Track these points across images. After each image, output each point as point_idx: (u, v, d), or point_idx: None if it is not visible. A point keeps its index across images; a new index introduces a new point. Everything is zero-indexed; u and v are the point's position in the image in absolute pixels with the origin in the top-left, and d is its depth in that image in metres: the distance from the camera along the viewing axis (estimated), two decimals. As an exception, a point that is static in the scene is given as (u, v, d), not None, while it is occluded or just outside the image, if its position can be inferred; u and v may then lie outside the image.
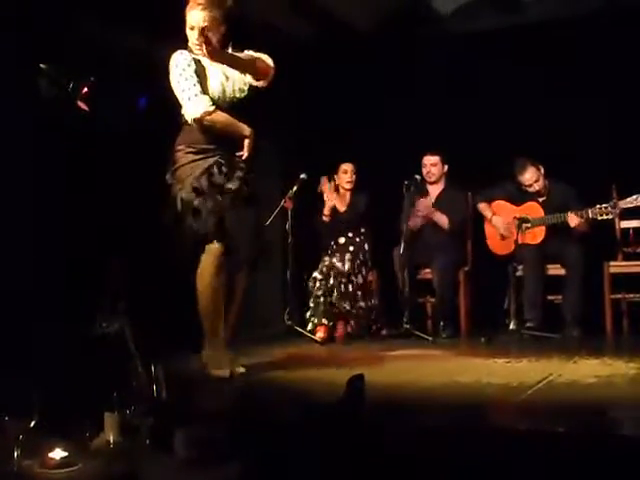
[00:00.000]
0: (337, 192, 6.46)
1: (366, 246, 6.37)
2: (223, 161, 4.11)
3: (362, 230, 6.40)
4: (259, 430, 2.72)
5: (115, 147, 5.16)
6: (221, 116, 4.08)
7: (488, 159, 6.28)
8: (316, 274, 6.17)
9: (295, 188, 6.22)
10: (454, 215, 6.30)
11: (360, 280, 6.21)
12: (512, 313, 5.78)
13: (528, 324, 5.74)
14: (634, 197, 5.69)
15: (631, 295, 5.89)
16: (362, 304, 6.16)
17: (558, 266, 5.95)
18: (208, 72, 4.13)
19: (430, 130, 6.60)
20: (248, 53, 4.22)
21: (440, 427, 2.76)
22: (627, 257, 6.06)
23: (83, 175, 4.97)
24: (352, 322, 6.14)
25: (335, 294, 6.09)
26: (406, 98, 6.87)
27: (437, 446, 2.56)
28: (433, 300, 6.32)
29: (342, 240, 6.34)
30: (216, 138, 4.10)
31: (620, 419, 2.89)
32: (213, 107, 4.05)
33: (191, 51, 4.11)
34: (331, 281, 6.11)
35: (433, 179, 6.40)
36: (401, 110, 6.85)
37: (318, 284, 6.12)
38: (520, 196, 6.10)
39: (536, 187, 6.01)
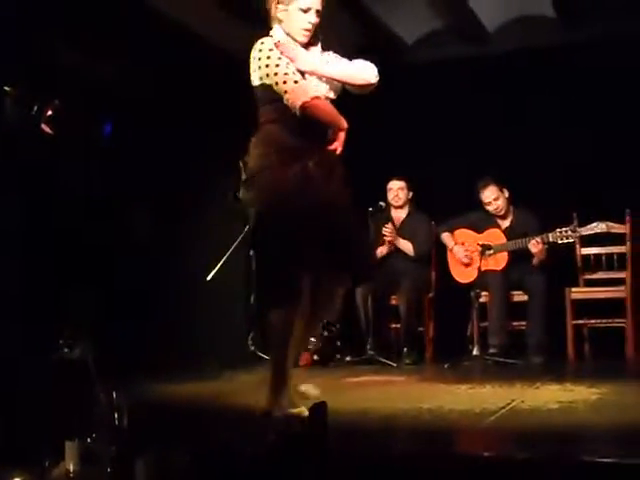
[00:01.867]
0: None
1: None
2: (319, 159, 3.55)
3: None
4: (221, 459, 2.70)
5: (79, 173, 5.14)
6: (327, 103, 3.59)
7: (452, 186, 6.34)
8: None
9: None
10: (419, 241, 6.33)
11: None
12: (475, 339, 5.82)
13: (491, 350, 5.78)
14: (594, 224, 5.79)
15: (592, 321, 5.95)
16: (326, 333, 6.14)
17: (521, 292, 6.00)
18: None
19: (394, 158, 6.64)
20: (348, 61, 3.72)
21: (403, 453, 2.76)
22: (588, 283, 6.14)
23: (45, 199, 4.94)
24: (316, 353, 6.10)
25: None
26: (370, 125, 6.90)
27: (400, 473, 2.55)
28: (397, 326, 6.34)
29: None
30: (310, 135, 3.55)
31: (582, 445, 2.91)
32: (320, 92, 3.56)
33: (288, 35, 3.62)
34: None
35: (400, 203, 6.43)
36: (365, 137, 6.88)
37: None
38: (482, 223, 6.16)
39: (494, 205, 6.08)
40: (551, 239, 5.78)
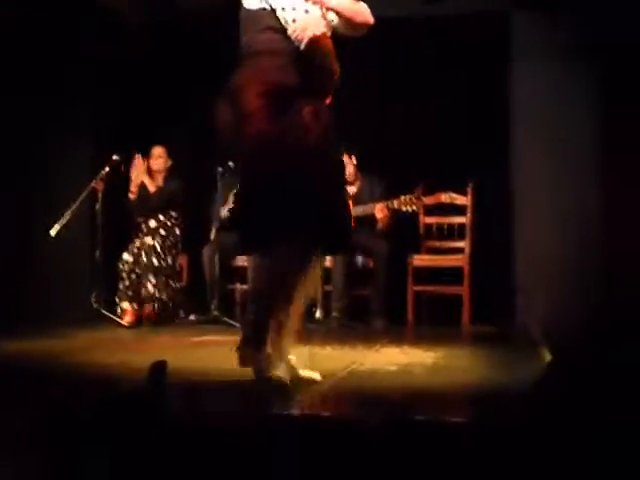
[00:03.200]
0: (149, 174, 6.33)
1: (177, 231, 6.30)
2: (314, 108, 3.13)
3: (173, 214, 6.32)
4: (57, 419, 2.64)
5: None
6: (331, 43, 3.21)
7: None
8: (125, 255, 6.05)
9: (107, 169, 6.08)
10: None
11: (170, 261, 6.13)
12: (319, 303, 5.92)
13: (334, 314, 5.89)
14: (438, 194, 5.99)
15: (431, 287, 6.15)
16: (171, 283, 6.09)
17: (366, 258, 6.11)
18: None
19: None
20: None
21: (242, 413, 2.79)
22: (429, 251, 6.33)
23: None
24: (159, 304, 6.03)
25: (144, 268, 5.97)
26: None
27: (238, 433, 2.58)
28: (243, 287, 6.35)
29: (153, 224, 6.23)
30: (307, 77, 3.14)
31: (416, 405, 3.02)
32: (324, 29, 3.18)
33: None
34: (139, 266, 6.00)
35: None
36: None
37: (126, 266, 6.00)
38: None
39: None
40: (396, 206, 5.92)
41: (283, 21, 3.12)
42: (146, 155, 6.32)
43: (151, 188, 6.30)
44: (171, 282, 6.10)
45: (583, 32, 5.65)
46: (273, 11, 3.13)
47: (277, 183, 3.09)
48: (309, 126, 3.08)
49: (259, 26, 3.17)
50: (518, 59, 6.04)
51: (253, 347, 3.23)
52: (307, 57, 3.10)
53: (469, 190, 6.14)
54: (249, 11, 3.20)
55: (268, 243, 3.17)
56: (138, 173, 6.23)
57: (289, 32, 3.09)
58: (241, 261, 6.26)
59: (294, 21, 3.09)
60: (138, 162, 6.22)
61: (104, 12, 6.15)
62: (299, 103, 3.10)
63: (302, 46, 3.08)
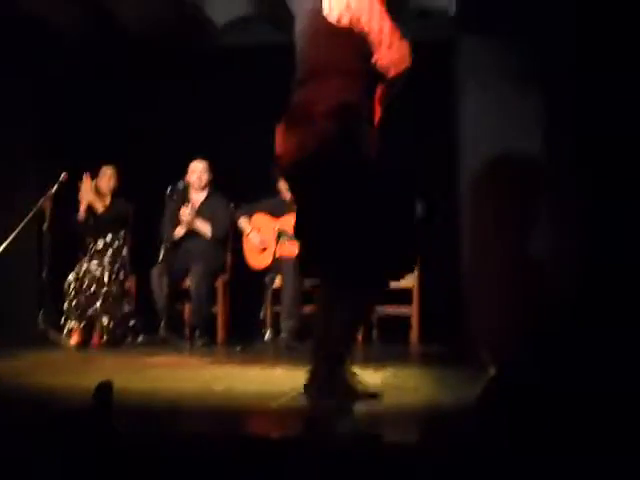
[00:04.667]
0: (97, 193, 6.28)
1: (125, 251, 6.26)
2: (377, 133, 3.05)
3: (121, 234, 6.28)
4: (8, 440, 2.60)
5: None
6: None
7: (252, 171, 6.37)
8: (71, 277, 5.99)
9: (55, 188, 6.02)
10: (216, 224, 6.32)
11: (118, 289, 6.06)
12: (268, 323, 5.92)
13: (283, 334, 5.88)
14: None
15: (381, 308, 6.17)
16: (117, 312, 6.02)
17: (314, 279, 6.11)
18: None
19: (197, 138, 6.60)
20: None
21: (190, 434, 2.77)
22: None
23: None
24: (107, 334, 5.97)
25: (90, 299, 5.92)
26: (173, 104, 6.82)
27: (187, 452, 2.56)
28: (191, 307, 6.31)
29: (100, 244, 6.18)
30: (373, 100, 3.02)
31: (366, 426, 3.02)
32: None
33: None
34: (87, 287, 5.93)
35: (203, 184, 6.38)
36: (168, 116, 6.80)
37: (72, 286, 5.94)
38: (280, 210, 6.23)
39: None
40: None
41: (375, 43, 2.86)
42: (94, 174, 6.28)
43: (99, 208, 6.24)
44: (117, 312, 6.02)
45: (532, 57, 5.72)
46: (359, 31, 2.87)
47: (344, 210, 2.96)
48: (376, 151, 2.97)
49: (337, 44, 2.94)
50: (465, 81, 6.11)
51: (317, 394, 3.19)
52: (386, 83, 2.95)
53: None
54: (327, 23, 2.94)
55: (330, 270, 3.15)
56: (86, 193, 6.18)
57: (377, 56, 2.87)
58: (189, 282, 6.23)
59: (390, 46, 2.83)
60: (86, 182, 6.16)
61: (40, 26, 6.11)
62: (366, 127, 2.98)
63: (390, 74, 2.89)
